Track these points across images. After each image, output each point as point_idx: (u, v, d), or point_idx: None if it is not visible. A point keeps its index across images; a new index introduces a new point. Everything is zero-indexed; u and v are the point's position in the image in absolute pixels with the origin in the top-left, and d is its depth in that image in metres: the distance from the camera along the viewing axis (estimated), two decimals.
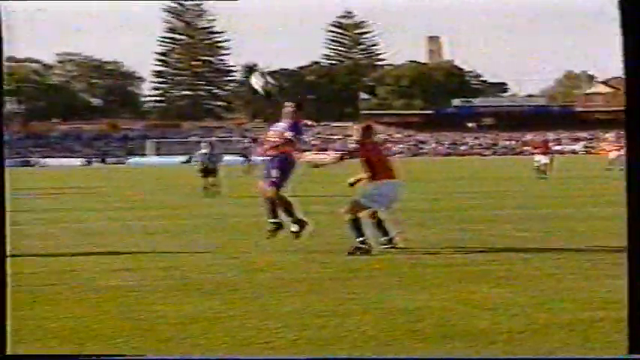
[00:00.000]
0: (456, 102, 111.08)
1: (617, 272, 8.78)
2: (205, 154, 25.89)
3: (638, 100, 3.95)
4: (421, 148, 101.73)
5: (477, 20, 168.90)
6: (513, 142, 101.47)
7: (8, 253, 4.16)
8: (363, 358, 5.21)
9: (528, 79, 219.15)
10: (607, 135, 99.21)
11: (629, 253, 4.20)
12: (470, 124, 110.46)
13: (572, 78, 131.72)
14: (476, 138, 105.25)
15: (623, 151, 39.55)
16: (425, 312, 6.90)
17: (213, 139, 32.75)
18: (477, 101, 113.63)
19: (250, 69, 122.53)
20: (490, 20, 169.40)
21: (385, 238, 10.82)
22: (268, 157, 11.14)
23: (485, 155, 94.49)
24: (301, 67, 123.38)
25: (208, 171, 24.88)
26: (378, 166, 10.78)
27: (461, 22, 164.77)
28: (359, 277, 8.67)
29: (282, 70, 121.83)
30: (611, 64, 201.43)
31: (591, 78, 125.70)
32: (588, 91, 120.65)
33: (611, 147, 41.03)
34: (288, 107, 11.20)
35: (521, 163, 47.27)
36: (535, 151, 33.45)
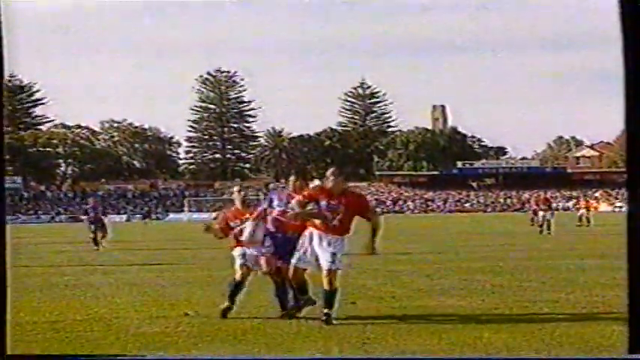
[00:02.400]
0: (459, 164, 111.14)
1: (611, 316, 8.68)
2: None
3: (637, 100, 3.63)
4: (429, 206, 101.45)
5: (477, 90, 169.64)
6: (512, 200, 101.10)
7: (8, 255, 3.92)
8: (363, 358, 4.73)
9: (523, 142, 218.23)
10: (596, 194, 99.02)
11: (629, 254, 3.97)
12: (472, 184, 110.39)
13: (563, 143, 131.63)
14: (478, 196, 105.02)
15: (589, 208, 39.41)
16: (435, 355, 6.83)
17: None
18: (478, 164, 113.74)
19: (275, 134, 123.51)
20: (488, 90, 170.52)
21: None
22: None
23: (486, 212, 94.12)
24: (318, 134, 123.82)
25: None
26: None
27: (462, 92, 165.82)
28: (374, 324, 8.58)
29: (300, 136, 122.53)
30: (596, 129, 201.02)
31: (579, 143, 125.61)
32: (577, 154, 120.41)
33: (581, 205, 42.22)
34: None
35: (519, 219, 47.05)
36: (539, 207, 33.31)
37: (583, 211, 40.15)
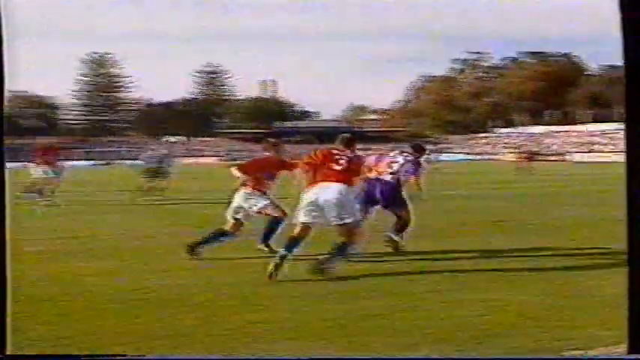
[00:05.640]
0: (284, 124, 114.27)
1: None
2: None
3: (638, 101, 3.00)
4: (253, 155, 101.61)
5: (301, 70, 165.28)
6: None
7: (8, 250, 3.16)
8: (364, 358, 3.85)
9: (327, 108, 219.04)
10: (374, 147, 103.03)
11: (629, 253, 3.03)
12: (287, 139, 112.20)
13: (355, 109, 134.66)
14: (294, 146, 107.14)
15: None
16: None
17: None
18: (289, 124, 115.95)
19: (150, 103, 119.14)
20: (309, 70, 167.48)
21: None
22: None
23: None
24: (177, 101, 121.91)
25: None
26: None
27: (291, 72, 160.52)
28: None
29: (161, 102, 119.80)
30: (380, 100, 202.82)
31: (365, 108, 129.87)
32: (363, 117, 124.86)
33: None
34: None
35: None
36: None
37: None
